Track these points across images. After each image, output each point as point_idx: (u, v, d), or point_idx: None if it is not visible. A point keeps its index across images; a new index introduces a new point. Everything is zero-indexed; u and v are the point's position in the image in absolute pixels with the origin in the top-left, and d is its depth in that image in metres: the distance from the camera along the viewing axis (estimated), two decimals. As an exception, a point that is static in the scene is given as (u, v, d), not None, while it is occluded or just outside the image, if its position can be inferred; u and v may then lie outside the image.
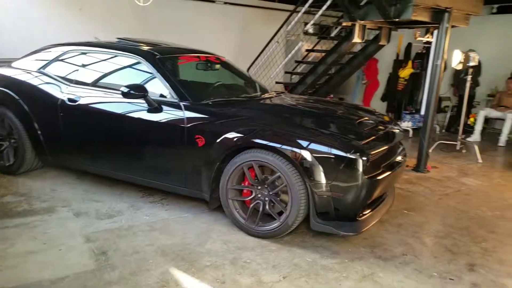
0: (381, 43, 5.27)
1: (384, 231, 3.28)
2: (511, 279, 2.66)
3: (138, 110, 3.28)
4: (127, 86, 3.13)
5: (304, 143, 2.75)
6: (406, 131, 6.94)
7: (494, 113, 7.00)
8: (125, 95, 3.14)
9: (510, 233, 3.36)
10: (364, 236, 3.11)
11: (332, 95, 6.27)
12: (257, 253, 2.80)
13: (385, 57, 7.74)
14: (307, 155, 2.72)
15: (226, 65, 4.10)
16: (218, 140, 2.96)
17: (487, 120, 7.32)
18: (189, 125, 3.07)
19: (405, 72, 7.15)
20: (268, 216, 2.98)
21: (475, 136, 6.87)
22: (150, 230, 3.07)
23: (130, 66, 3.52)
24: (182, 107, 3.14)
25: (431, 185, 4.50)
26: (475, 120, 7.04)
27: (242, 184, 3.04)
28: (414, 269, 2.73)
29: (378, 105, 7.72)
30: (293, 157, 2.75)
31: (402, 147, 3.60)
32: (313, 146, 2.74)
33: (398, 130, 3.52)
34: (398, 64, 7.49)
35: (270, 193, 2.93)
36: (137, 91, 3.14)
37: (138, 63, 3.45)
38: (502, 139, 6.76)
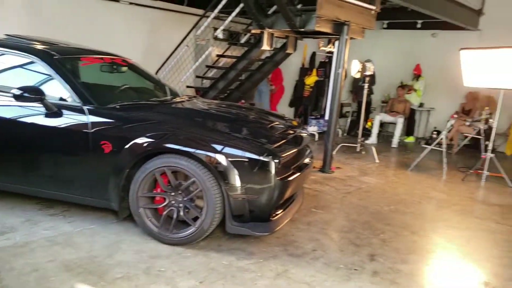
0: (288, 51, 5.54)
1: (296, 229, 3.42)
2: (405, 264, 2.96)
3: (33, 114, 2.98)
4: (20, 88, 2.82)
5: (218, 147, 2.76)
6: (312, 135, 7.38)
7: (387, 118, 7.79)
8: (17, 98, 2.83)
9: (403, 224, 3.74)
10: (277, 235, 3.22)
11: (244, 101, 6.40)
12: (172, 260, 2.72)
13: (292, 65, 8.15)
14: (222, 159, 2.73)
15: (133, 68, 3.92)
16: (126, 146, 2.82)
17: (382, 124, 8.12)
18: (93, 130, 2.87)
19: (311, 80, 7.63)
20: (182, 222, 2.91)
21: (373, 139, 7.56)
22: (51, 245, 2.80)
23: (22, 66, 3.17)
24: (86, 111, 2.93)
25: (336, 184, 4.83)
26: (372, 124, 7.76)
27: (154, 191, 2.93)
28: (323, 263, 2.89)
29: (286, 110, 8.08)
30: (208, 161, 2.74)
31: (309, 150, 3.80)
32: (228, 150, 2.76)
33: (305, 134, 3.71)
34: (304, 72, 7.96)
35: (185, 199, 2.87)
36: (32, 93, 2.85)
37: (31, 63, 3.12)
38: (395, 141, 7.56)
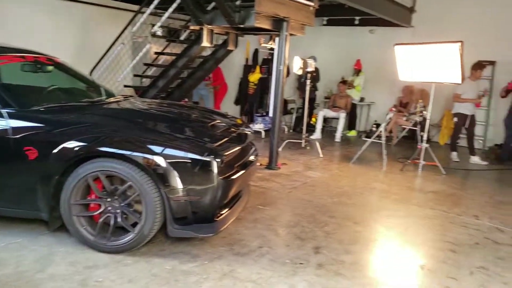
0: (229, 48, 5.48)
1: (242, 227, 3.39)
2: (348, 255, 3.03)
3: None
4: None
5: (157, 149, 2.65)
6: (258, 132, 7.40)
7: (330, 113, 8.00)
8: None
9: (346, 216, 3.84)
10: (223, 235, 3.16)
11: (187, 99, 6.26)
12: (110, 269, 2.57)
13: (235, 62, 8.11)
14: (160, 161, 2.63)
15: (61, 67, 3.64)
16: (55, 151, 2.62)
17: (326, 120, 8.33)
18: (15, 136, 2.64)
19: (254, 77, 7.63)
20: (121, 229, 2.77)
21: (317, 134, 7.73)
22: (-30, 264, 2.53)
23: None
24: (5, 115, 2.68)
25: (282, 180, 4.86)
26: (317, 120, 7.93)
27: (88, 198, 2.75)
28: (269, 260, 2.88)
29: (231, 108, 8.03)
30: (145, 164, 2.62)
31: (254, 147, 3.78)
32: (167, 151, 2.66)
33: (249, 132, 3.69)
34: (248, 69, 7.95)
35: (122, 204, 2.73)
36: None
37: None
38: (338, 136, 7.78)
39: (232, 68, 8.06)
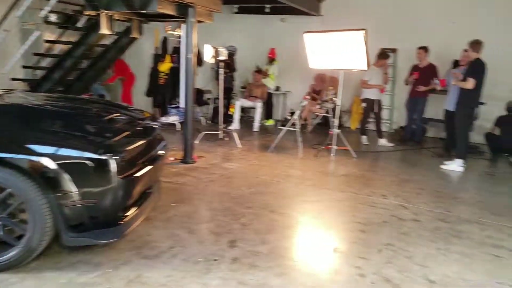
0: (133, 35, 5.11)
1: (152, 228, 3.17)
2: (264, 245, 2.98)
3: None
4: None
5: (42, 149, 2.33)
6: (173, 125, 7.11)
7: (247, 103, 7.96)
8: None
9: (263, 205, 3.80)
10: (131, 238, 2.91)
11: (91, 93, 5.74)
12: (-11, 293, 2.21)
13: (145, 52, 7.68)
14: (47, 162, 2.31)
15: None
16: None
17: (244, 109, 8.28)
18: None
19: (165, 66, 7.26)
20: (3, 243, 2.39)
21: (235, 125, 7.65)
22: None
23: None
24: None
25: (198, 174, 4.68)
26: (234, 110, 7.83)
27: (-42, 211, 2.33)
28: (182, 260, 2.72)
29: (143, 100, 7.60)
30: (29, 167, 2.28)
31: (163, 140, 3.54)
32: (55, 150, 2.36)
33: (156, 124, 3.44)
34: (158, 58, 7.51)
35: (2, 215, 2.35)
36: None
37: None
38: (256, 125, 7.78)
39: (141, 58, 7.59)
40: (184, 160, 5.03)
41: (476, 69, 5.19)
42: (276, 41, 8.60)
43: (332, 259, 2.90)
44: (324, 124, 7.73)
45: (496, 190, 4.70)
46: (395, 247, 3.06)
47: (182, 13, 4.52)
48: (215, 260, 2.74)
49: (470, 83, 5.13)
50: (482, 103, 6.64)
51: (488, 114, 6.66)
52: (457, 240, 3.25)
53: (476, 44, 5.24)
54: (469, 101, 5.35)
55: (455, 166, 5.40)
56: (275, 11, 8.29)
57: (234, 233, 3.17)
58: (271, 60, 8.47)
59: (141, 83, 7.44)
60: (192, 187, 4.23)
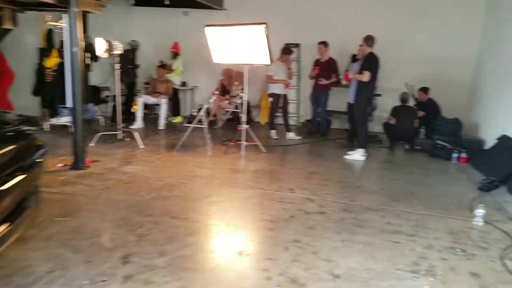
0: (6, 26, 4.38)
1: (28, 250, 2.69)
2: (161, 257, 2.68)
3: None
4: None
5: None
6: (65, 126, 6.37)
7: (150, 100, 7.47)
8: None
9: (164, 211, 3.47)
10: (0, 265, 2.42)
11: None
12: None
13: (29, 45, 6.77)
14: None
15: None
16: None
17: (149, 107, 7.77)
18: None
19: (51, 62, 6.45)
20: None
21: (138, 123, 7.14)
22: None
23: None
24: None
25: (91, 181, 4.18)
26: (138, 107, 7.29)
27: None
28: (62, 285, 2.31)
29: (30, 100, 6.70)
30: None
31: (41, 146, 3.04)
32: None
33: (30, 129, 2.93)
34: (44, 53, 6.65)
35: None
36: None
37: None
38: (161, 123, 7.34)
39: (24, 52, 6.66)
40: (74, 166, 4.46)
41: (371, 62, 5.43)
42: (180, 35, 8.24)
43: (238, 264, 2.71)
44: (235, 120, 7.59)
45: (394, 177, 4.95)
46: (302, 243, 2.98)
47: (62, 2, 3.96)
48: (103, 281, 2.38)
49: (366, 76, 5.35)
50: (378, 95, 7.07)
51: (385, 105, 7.10)
52: (360, 229, 3.29)
53: (369, 40, 5.48)
54: (366, 93, 5.59)
55: (357, 155, 5.62)
56: (176, 4, 7.91)
57: (129, 246, 2.81)
58: (175, 55, 8.08)
59: (26, 81, 6.53)
60: (83, 197, 3.74)
